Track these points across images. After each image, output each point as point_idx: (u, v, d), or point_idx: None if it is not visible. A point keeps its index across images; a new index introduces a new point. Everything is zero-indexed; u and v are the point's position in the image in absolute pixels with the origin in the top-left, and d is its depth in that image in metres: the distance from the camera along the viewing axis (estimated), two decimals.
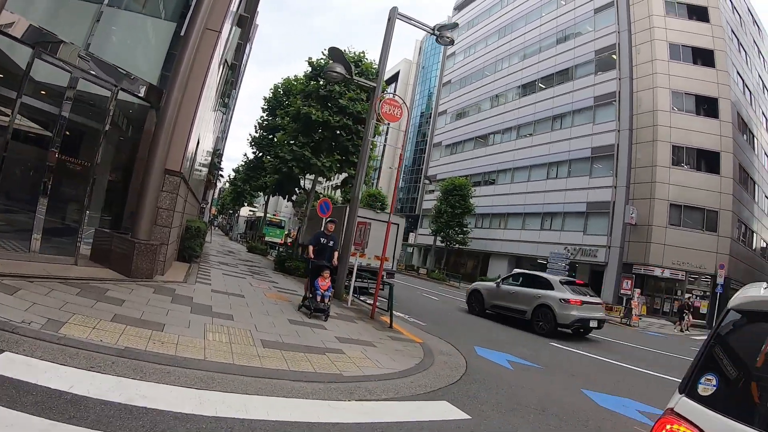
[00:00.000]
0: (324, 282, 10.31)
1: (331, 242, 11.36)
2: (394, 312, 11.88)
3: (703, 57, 41.65)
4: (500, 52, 60.44)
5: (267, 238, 42.17)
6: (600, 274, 41.84)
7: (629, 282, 35.88)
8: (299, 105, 20.64)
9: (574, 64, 48.68)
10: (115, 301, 7.30)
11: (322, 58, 21.75)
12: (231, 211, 73.39)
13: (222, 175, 49.90)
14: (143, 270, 9.65)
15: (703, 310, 37.36)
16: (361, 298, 16.01)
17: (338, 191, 27.01)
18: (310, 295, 10.38)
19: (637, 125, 41.95)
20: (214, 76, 15.31)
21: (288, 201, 23.72)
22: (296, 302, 11.67)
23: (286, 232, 55.04)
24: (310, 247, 11.31)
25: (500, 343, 12.39)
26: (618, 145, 42.06)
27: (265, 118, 34.03)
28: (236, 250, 33.09)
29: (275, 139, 23.41)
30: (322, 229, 11.74)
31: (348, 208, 18.65)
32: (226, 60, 19.03)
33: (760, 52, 52.17)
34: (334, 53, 14.38)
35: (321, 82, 21.17)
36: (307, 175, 22.85)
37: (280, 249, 26.19)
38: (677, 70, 41.55)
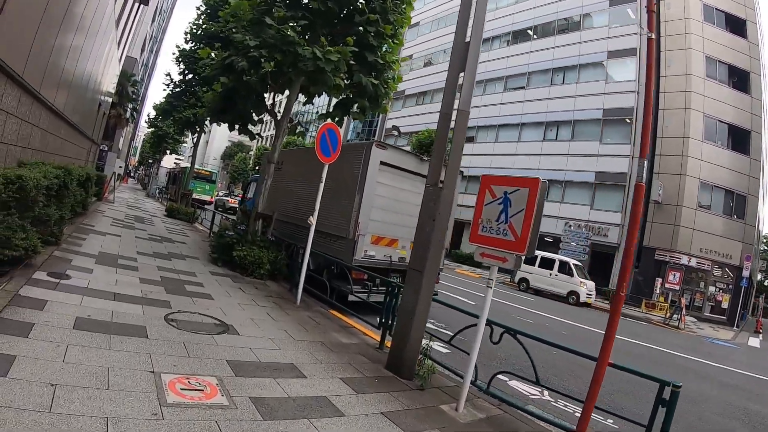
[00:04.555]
0: None
1: None
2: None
3: (734, 25, 36.25)
4: None
5: (195, 195, 31.95)
6: (606, 257, 35.43)
7: (677, 275, 29.50)
8: None
9: (582, 12, 41.58)
10: None
11: None
12: (151, 161, 60.90)
13: (136, 109, 38.45)
14: None
15: (725, 304, 32.60)
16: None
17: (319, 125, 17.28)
18: None
19: (666, 89, 35.57)
20: None
21: (242, 134, 13.62)
22: None
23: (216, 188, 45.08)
24: None
25: None
26: (637, 108, 35.61)
27: (201, 25, 23.29)
28: (150, 213, 22.62)
29: (228, 5, 12.86)
30: None
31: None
32: None
33: None
34: None
35: None
36: (274, 95, 13.03)
37: (228, 219, 15.91)
38: (711, 34, 35.56)
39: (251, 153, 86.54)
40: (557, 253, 29.13)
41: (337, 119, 12.52)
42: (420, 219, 6.17)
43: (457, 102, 6.22)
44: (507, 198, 5.21)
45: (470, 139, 46.94)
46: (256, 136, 13.82)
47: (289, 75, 10.71)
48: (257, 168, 67.90)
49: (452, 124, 6.27)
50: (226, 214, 25.21)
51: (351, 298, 9.33)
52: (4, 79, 6.19)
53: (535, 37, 44.72)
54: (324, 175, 8.58)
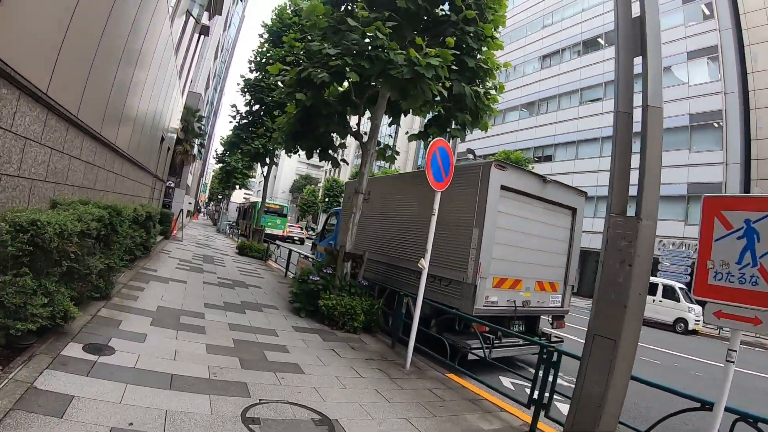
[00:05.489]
0: None
1: None
2: None
3: None
4: (550, 3, 49.62)
5: (267, 230, 30.97)
6: None
7: None
8: None
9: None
10: None
11: None
12: (220, 197, 61.23)
13: (203, 145, 38.16)
14: None
15: None
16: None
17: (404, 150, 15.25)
18: None
19: (755, 86, 32.16)
20: None
21: (323, 160, 11.95)
22: None
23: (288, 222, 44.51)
24: None
25: None
26: (726, 111, 32.48)
27: (265, 53, 22.48)
28: (221, 251, 21.45)
29: (301, 14, 11.41)
30: None
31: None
32: None
33: None
34: None
35: None
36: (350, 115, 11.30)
37: (319, 266, 13.84)
38: None
39: (320, 185, 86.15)
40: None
41: (430, 139, 10.74)
42: (605, 266, 4.21)
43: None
44: (752, 228, 3.37)
45: (548, 158, 44.58)
46: (341, 163, 12.17)
47: (376, 88, 9.02)
48: (327, 200, 67.18)
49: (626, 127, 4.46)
50: (283, 243, 24.17)
51: (471, 356, 7.38)
52: (14, 91, 4.67)
53: (606, 45, 42.27)
54: (436, 206, 6.67)
